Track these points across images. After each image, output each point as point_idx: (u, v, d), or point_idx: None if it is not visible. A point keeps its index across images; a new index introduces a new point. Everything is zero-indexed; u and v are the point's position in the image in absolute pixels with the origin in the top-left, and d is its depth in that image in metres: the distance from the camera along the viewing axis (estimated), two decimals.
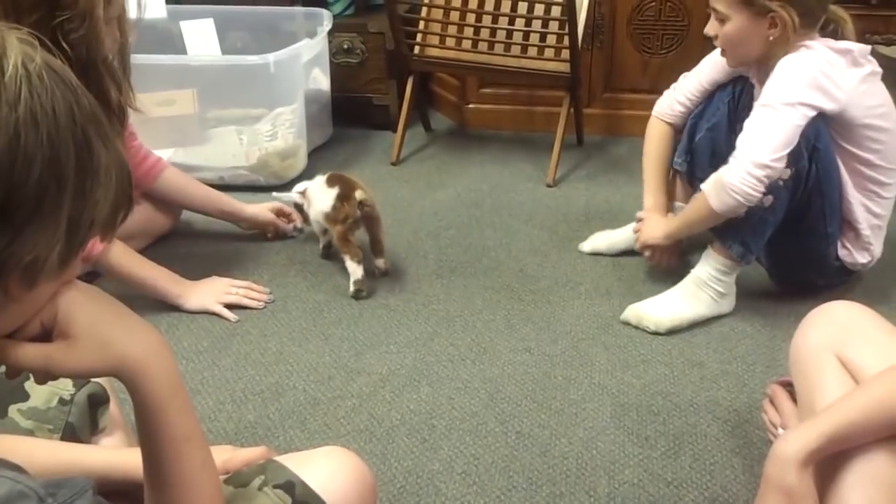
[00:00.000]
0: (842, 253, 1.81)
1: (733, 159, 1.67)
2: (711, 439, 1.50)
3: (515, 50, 2.51)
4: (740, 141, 1.67)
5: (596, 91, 2.77)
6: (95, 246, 1.79)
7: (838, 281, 1.87)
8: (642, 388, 1.64)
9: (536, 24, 2.48)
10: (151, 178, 2.04)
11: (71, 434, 1.06)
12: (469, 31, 2.57)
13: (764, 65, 1.74)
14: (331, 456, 1.03)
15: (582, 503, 1.36)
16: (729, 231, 1.76)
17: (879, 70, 1.72)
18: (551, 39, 2.47)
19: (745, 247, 1.75)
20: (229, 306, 1.90)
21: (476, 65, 2.59)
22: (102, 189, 0.67)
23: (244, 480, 0.96)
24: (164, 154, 2.46)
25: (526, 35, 2.50)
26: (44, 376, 0.74)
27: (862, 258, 1.82)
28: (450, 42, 2.59)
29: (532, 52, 2.50)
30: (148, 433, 0.78)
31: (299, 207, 2.15)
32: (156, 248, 2.14)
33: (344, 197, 1.93)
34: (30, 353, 0.72)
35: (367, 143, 2.80)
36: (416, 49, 2.61)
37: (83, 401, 1.08)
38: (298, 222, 2.20)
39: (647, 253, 1.99)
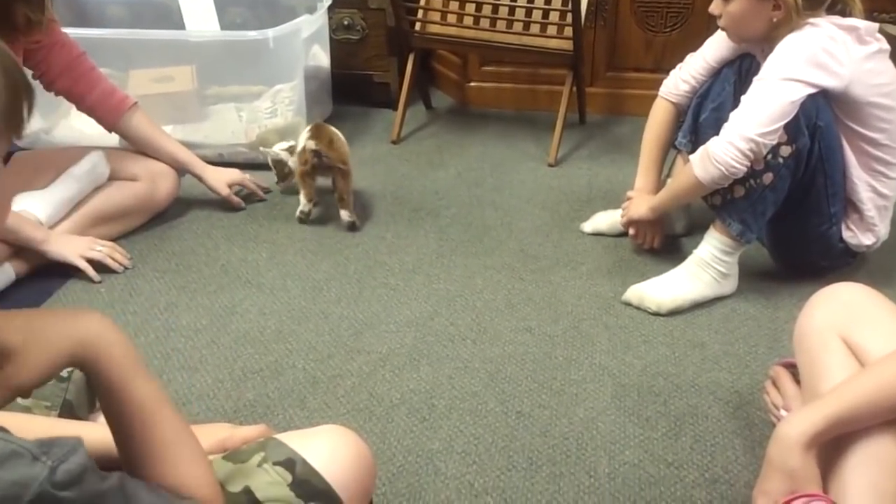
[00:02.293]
0: (846, 234, 1.80)
1: (723, 130, 1.67)
2: (713, 420, 1.49)
3: (518, 27, 2.48)
4: (733, 113, 1.67)
5: (599, 69, 2.74)
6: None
7: (842, 263, 1.86)
8: (643, 368, 1.63)
9: (539, 1, 2.45)
10: (118, 113, 2.03)
11: (69, 411, 1.06)
12: (471, 8, 2.53)
13: (769, 43, 1.72)
14: (331, 434, 1.02)
15: (582, 483, 1.36)
16: (729, 209, 1.75)
17: (887, 48, 1.70)
18: (554, 17, 2.44)
19: (744, 225, 1.74)
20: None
21: (478, 42, 2.56)
22: None
23: (243, 458, 0.96)
24: None
25: (528, 12, 2.47)
26: (11, 398, 0.73)
27: (866, 240, 1.81)
28: (451, 18, 2.56)
29: (534, 29, 2.47)
30: (118, 410, 0.78)
31: (281, 164, 2.24)
32: (152, 224, 2.13)
33: (310, 140, 2.10)
34: None
35: (367, 121, 2.78)
36: (418, 26, 2.58)
37: (80, 378, 1.07)
38: (262, 193, 2.25)
39: (631, 231, 1.98)
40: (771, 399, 1.37)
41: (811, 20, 1.65)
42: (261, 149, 2.27)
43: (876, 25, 1.68)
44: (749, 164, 1.65)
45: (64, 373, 1.06)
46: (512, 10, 2.47)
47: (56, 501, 0.63)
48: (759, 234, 1.80)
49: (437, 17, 2.57)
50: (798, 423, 1.06)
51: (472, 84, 2.87)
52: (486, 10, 2.50)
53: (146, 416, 0.79)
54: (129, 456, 0.81)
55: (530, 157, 2.53)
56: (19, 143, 2.36)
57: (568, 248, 2.05)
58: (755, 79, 1.68)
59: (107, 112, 2.03)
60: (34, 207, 1.89)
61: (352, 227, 2.14)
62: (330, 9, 2.62)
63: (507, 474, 1.38)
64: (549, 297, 1.86)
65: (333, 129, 2.19)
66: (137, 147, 2.11)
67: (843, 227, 1.80)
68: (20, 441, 0.63)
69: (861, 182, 1.76)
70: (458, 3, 2.55)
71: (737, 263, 1.82)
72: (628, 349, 1.69)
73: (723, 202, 1.75)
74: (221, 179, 2.18)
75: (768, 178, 1.68)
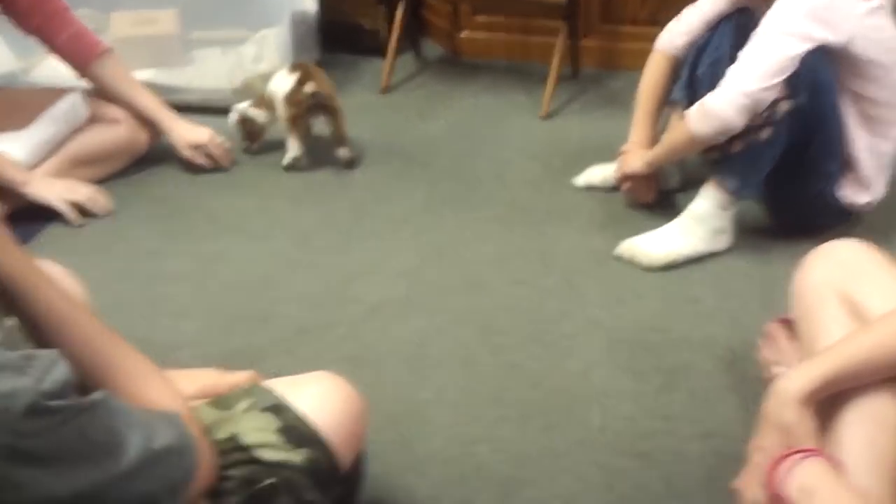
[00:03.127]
0: (842, 193, 1.78)
1: (720, 85, 1.64)
2: (706, 375, 1.48)
3: None
4: (731, 68, 1.64)
5: (593, 22, 2.69)
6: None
7: (838, 221, 1.84)
8: (636, 322, 1.61)
9: None
10: (89, 57, 1.96)
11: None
12: None
13: None
14: (320, 381, 1.01)
15: (574, 435, 1.35)
16: (726, 164, 1.72)
17: (888, 4, 1.67)
18: None
19: (741, 181, 1.72)
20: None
21: None
22: None
23: (230, 404, 0.94)
24: (144, 75, 2.38)
25: None
26: None
27: (863, 198, 1.79)
28: None
29: None
30: (66, 336, 0.80)
31: (251, 122, 2.15)
32: (135, 169, 2.08)
33: (302, 83, 2.05)
34: None
35: (355, 70, 2.71)
36: None
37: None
38: (226, 162, 2.10)
39: (625, 185, 1.96)
40: (766, 355, 1.37)
41: None
42: (235, 106, 2.17)
43: None
44: (747, 119, 1.62)
45: None
46: None
47: (48, 411, 0.63)
48: (755, 191, 1.78)
49: None
50: (796, 379, 1.04)
51: (464, 34, 2.81)
52: None
53: (93, 342, 0.82)
54: (91, 381, 0.81)
55: (522, 109, 2.49)
56: None
57: (560, 202, 2.02)
58: (754, 32, 1.64)
59: (77, 55, 1.96)
60: (12, 148, 1.84)
61: (350, 164, 2.11)
62: None
63: (498, 425, 1.36)
64: (540, 250, 1.84)
65: (313, 65, 2.15)
66: (107, 96, 2.02)
67: (840, 185, 1.78)
68: (3, 354, 0.63)
69: (859, 140, 1.73)
70: None
71: (732, 219, 1.80)
72: (621, 303, 1.67)
73: (720, 157, 1.72)
74: (185, 138, 2.05)
75: (766, 133, 1.65)
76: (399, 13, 2.56)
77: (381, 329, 1.58)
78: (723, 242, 1.81)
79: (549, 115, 2.45)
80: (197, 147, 2.05)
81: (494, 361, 1.50)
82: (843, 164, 1.76)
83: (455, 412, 1.39)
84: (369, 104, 2.51)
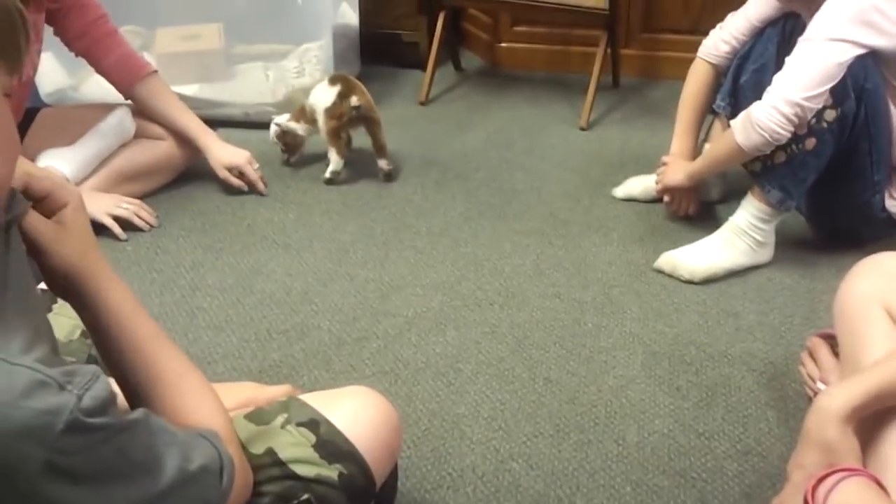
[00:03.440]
0: (889, 203, 1.74)
1: (766, 94, 1.60)
2: (746, 391, 1.46)
3: None
4: (777, 76, 1.61)
5: (634, 31, 2.67)
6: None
7: (883, 233, 1.80)
8: (675, 337, 1.59)
9: None
10: (133, 80, 2.00)
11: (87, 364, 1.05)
12: None
13: (816, 1, 1.64)
14: (356, 395, 1.01)
15: (610, 451, 1.33)
16: (768, 175, 1.69)
17: None
18: None
19: (784, 192, 1.69)
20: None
21: (511, 0, 2.50)
22: None
23: (267, 419, 0.94)
24: (189, 90, 2.42)
25: None
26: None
27: None
28: None
29: None
30: (125, 341, 0.81)
31: (292, 134, 2.18)
32: (178, 183, 2.11)
33: (343, 96, 2.07)
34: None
35: (395, 82, 2.73)
36: None
37: None
38: (261, 186, 2.10)
39: (666, 198, 1.94)
40: (807, 371, 1.34)
41: None
42: (274, 119, 2.20)
43: None
44: (793, 129, 1.59)
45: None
46: None
47: (88, 429, 0.63)
48: (798, 202, 1.75)
49: None
50: (838, 395, 1.02)
51: (503, 45, 2.81)
52: None
53: (151, 348, 0.82)
54: (138, 392, 0.82)
55: (561, 120, 2.48)
56: (46, 101, 2.36)
57: (599, 214, 2.01)
58: (800, 39, 1.61)
59: (122, 77, 2.00)
60: (61, 164, 1.88)
61: (389, 177, 2.14)
62: None
63: (534, 440, 1.35)
64: (578, 262, 1.83)
65: (353, 78, 2.17)
66: (149, 116, 2.05)
67: (887, 195, 1.73)
68: (45, 370, 0.62)
69: None
70: None
71: (774, 232, 1.77)
72: (660, 317, 1.65)
73: (762, 168, 1.69)
74: (221, 159, 2.06)
75: (811, 143, 1.62)
76: (440, 25, 2.57)
77: (416, 343, 1.58)
78: (764, 255, 1.78)
79: (589, 126, 2.44)
80: (232, 168, 2.06)
81: (530, 376, 1.50)
82: (891, 172, 1.72)
83: (490, 427, 1.38)
84: (409, 116, 2.52)
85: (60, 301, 1.01)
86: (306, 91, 2.42)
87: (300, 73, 2.45)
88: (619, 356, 1.54)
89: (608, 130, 2.42)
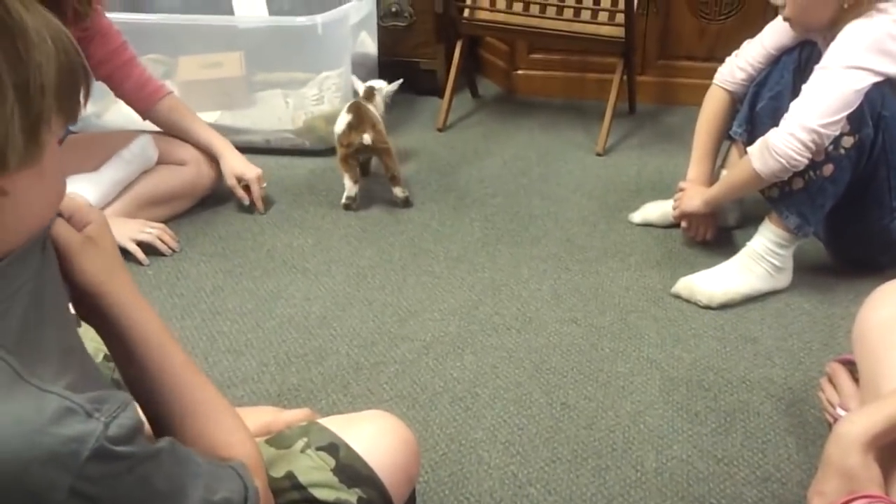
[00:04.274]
0: None
1: (783, 121, 1.61)
2: (764, 417, 1.45)
3: (568, 14, 2.44)
4: (794, 103, 1.62)
5: (650, 58, 2.69)
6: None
7: None
8: (693, 362, 1.59)
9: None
10: (150, 102, 2.04)
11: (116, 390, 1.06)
12: None
13: (832, 30, 1.66)
14: (375, 419, 1.01)
15: (628, 477, 1.33)
16: (786, 201, 1.69)
17: None
18: (605, 3, 2.39)
19: (802, 218, 1.69)
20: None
21: (527, 28, 2.53)
22: (38, 50, 0.64)
23: (287, 443, 0.95)
24: (211, 117, 2.46)
25: None
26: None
27: None
28: (500, 4, 2.53)
29: (585, 15, 2.43)
30: (153, 369, 0.80)
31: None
32: (199, 208, 2.14)
33: (352, 127, 2.12)
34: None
35: (413, 109, 2.76)
36: (466, 12, 2.56)
37: None
38: (260, 205, 2.13)
39: (684, 224, 1.94)
40: (826, 396, 1.33)
41: (879, 5, 1.59)
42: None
43: None
44: (811, 155, 1.59)
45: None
46: None
47: (113, 457, 0.63)
48: (816, 228, 1.75)
49: (486, 3, 2.55)
50: (859, 422, 1.01)
51: (520, 72, 2.84)
52: None
53: (179, 376, 0.82)
54: (166, 421, 0.81)
55: (578, 146, 2.49)
56: (70, 128, 2.40)
57: (616, 239, 2.01)
58: (817, 67, 1.62)
59: (139, 100, 2.05)
60: (84, 190, 1.91)
61: (406, 203, 2.16)
62: None
63: (552, 466, 1.35)
64: (596, 288, 1.83)
65: (368, 107, 2.19)
66: (170, 133, 2.10)
67: None
68: (73, 397, 0.63)
69: None
70: None
71: (791, 257, 1.77)
72: (677, 342, 1.65)
73: (780, 194, 1.69)
74: (233, 168, 2.10)
75: (828, 169, 1.62)
76: (457, 53, 2.60)
77: (433, 367, 1.58)
78: (782, 281, 1.77)
79: (606, 152, 2.45)
80: (241, 179, 2.11)
81: (548, 401, 1.50)
82: None
83: (507, 452, 1.38)
84: (427, 142, 2.54)
85: (84, 324, 1.03)
86: (326, 118, 2.46)
87: (319, 101, 2.48)
88: (637, 381, 1.54)
89: (625, 156, 2.43)
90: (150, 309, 0.82)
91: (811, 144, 1.58)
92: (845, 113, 1.57)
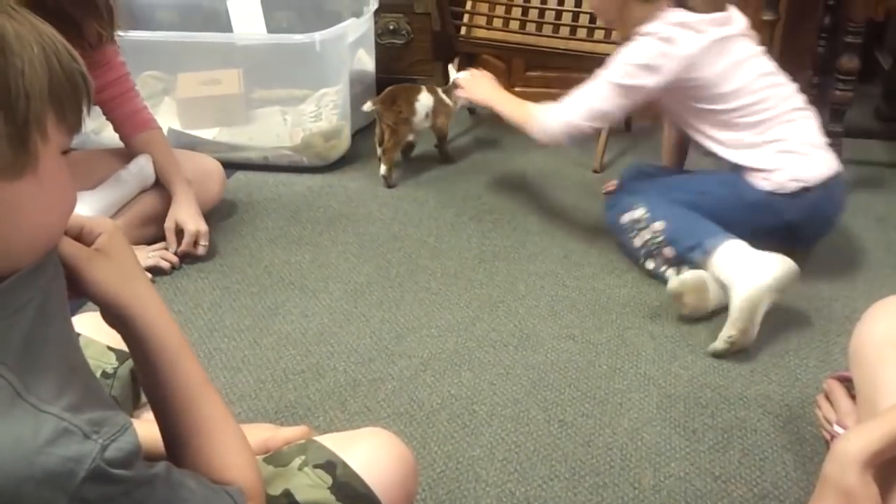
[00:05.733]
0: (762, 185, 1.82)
1: (557, 104, 1.91)
2: (762, 434, 1.45)
3: (564, 31, 2.46)
4: (569, 96, 1.91)
5: None
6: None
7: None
8: (690, 379, 1.59)
9: (586, 5, 2.43)
10: (134, 131, 2.03)
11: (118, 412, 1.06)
12: (517, 12, 2.52)
13: (633, 28, 1.85)
14: (372, 437, 1.01)
15: (626, 495, 1.33)
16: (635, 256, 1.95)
17: (733, 33, 1.81)
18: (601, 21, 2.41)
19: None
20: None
21: (524, 46, 2.55)
22: (18, 56, 0.63)
23: (284, 460, 0.95)
24: (209, 133, 2.47)
25: (575, 16, 2.45)
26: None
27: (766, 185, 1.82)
28: (497, 23, 2.55)
29: (581, 33, 2.45)
30: (168, 381, 0.79)
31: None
32: None
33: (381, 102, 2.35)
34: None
35: None
36: (463, 30, 2.58)
37: (125, 375, 1.08)
38: (175, 260, 1.98)
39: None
40: (823, 414, 1.33)
41: (656, 12, 1.79)
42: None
43: (710, 16, 1.78)
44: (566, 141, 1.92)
45: (109, 369, 1.07)
46: (559, 13, 2.45)
47: (110, 479, 0.63)
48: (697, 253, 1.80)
49: (482, 21, 2.57)
50: (856, 440, 1.01)
51: (517, 89, 2.84)
52: (533, 14, 2.49)
53: (200, 387, 0.81)
54: (174, 435, 0.81)
55: (575, 163, 2.51)
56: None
57: (613, 256, 2.02)
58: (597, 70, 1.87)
59: (125, 125, 2.04)
60: (82, 209, 1.91)
61: (385, 182, 2.30)
62: (376, 13, 2.63)
63: (549, 483, 1.35)
64: (593, 304, 1.83)
65: (429, 94, 2.37)
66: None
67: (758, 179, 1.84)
68: (71, 418, 0.63)
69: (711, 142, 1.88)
70: (504, 8, 2.54)
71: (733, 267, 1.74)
72: (674, 359, 1.65)
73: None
74: (176, 213, 1.99)
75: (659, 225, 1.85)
76: (453, 70, 2.62)
77: (431, 384, 1.58)
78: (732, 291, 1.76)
79: (602, 169, 2.46)
80: (178, 226, 1.99)
81: (545, 418, 1.50)
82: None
83: (505, 469, 1.38)
84: (424, 159, 2.55)
85: (83, 339, 1.03)
86: (323, 135, 2.47)
87: (317, 118, 2.49)
88: (634, 398, 1.54)
89: (621, 173, 2.44)
90: (171, 320, 0.81)
91: (566, 136, 1.91)
92: (605, 116, 1.91)
